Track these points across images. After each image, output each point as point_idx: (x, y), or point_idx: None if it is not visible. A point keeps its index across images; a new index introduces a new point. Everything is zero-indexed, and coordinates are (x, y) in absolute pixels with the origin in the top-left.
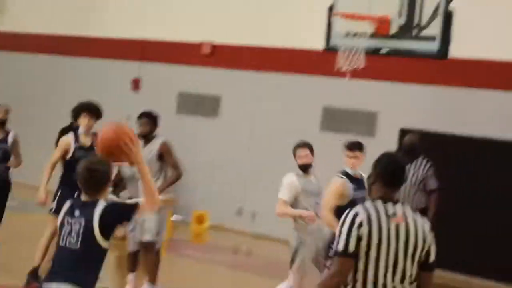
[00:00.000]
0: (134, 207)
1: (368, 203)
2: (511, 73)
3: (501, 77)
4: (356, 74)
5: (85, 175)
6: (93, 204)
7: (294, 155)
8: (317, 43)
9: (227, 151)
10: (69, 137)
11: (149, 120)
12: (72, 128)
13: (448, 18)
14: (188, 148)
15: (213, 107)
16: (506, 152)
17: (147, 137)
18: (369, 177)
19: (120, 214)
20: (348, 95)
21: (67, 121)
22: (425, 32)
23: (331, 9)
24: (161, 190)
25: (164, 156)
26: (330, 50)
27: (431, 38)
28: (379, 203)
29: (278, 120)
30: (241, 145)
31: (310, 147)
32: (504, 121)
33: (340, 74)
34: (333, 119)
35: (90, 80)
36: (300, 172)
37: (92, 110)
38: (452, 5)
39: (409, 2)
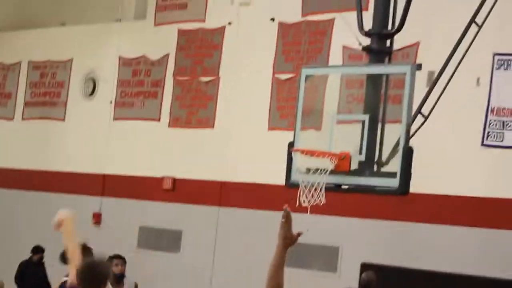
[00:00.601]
0: None
1: None
2: (471, 209)
3: (461, 213)
4: (317, 209)
5: (86, 273)
6: None
7: None
8: (278, 179)
9: (188, 286)
10: None
11: (123, 261)
12: (32, 262)
13: (408, 155)
14: (149, 284)
15: (174, 242)
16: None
17: (119, 277)
18: None
19: None
20: (310, 230)
21: (25, 255)
22: (385, 168)
23: (291, 145)
24: None
25: None
26: (291, 186)
27: (392, 174)
28: None
29: (240, 255)
30: (203, 281)
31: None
32: (464, 257)
33: (301, 209)
34: (295, 254)
35: (51, 215)
36: None
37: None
38: (411, 142)
39: (369, 139)
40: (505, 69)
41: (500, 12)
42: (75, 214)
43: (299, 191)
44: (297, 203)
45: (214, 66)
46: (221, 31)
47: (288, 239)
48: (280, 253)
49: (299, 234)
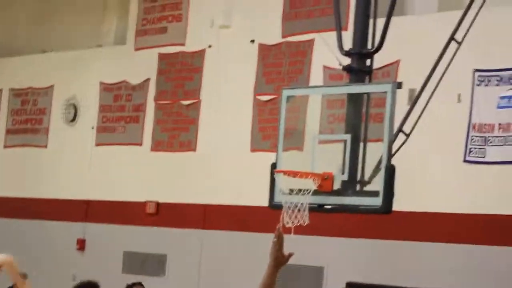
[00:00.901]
0: None
1: None
2: (454, 226)
3: (444, 230)
4: (301, 230)
5: None
6: None
7: None
8: (261, 200)
9: None
10: None
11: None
12: None
13: (390, 173)
14: None
15: (159, 266)
16: None
17: None
18: None
19: None
20: (294, 251)
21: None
22: (368, 187)
23: (274, 166)
24: None
25: None
26: (274, 207)
27: (375, 193)
28: None
29: (225, 277)
30: None
31: None
32: (448, 273)
33: (285, 230)
34: (280, 275)
35: (34, 242)
36: None
37: None
38: (394, 160)
39: (351, 158)
40: (485, 85)
41: (480, 28)
42: (13, 258)
43: (282, 212)
44: (281, 224)
45: (195, 89)
46: (201, 54)
47: (280, 259)
48: (271, 273)
49: (290, 255)
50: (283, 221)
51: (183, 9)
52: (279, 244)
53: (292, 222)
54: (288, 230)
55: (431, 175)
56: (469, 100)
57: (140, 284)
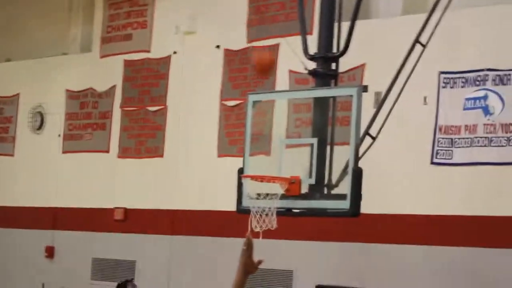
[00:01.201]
0: None
1: None
2: (422, 227)
3: (412, 232)
4: (269, 234)
5: None
6: None
7: None
8: (229, 205)
9: None
10: None
11: None
12: None
13: (357, 176)
14: None
15: (128, 272)
16: None
17: None
18: None
19: None
20: (262, 255)
21: None
22: (336, 191)
23: (241, 171)
24: None
25: None
26: (242, 212)
27: (342, 196)
28: None
29: (195, 282)
30: None
31: None
32: (417, 275)
33: (253, 235)
34: (249, 279)
35: (2, 250)
36: None
37: None
38: (361, 163)
39: (318, 162)
40: (451, 87)
41: (444, 31)
42: None
43: (250, 216)
44: (249, 229)
45: (161, 95)
46: (166, 60)
47: (249, 266)
48: (240, 279)
49: (260, 262)
50: (251, 226)
51: (148, 16)
52: (249, 251)
53: (261, 227)
54: (256, 235)
55: (398, 177)
56: (435, 102)
57: (131, 280)
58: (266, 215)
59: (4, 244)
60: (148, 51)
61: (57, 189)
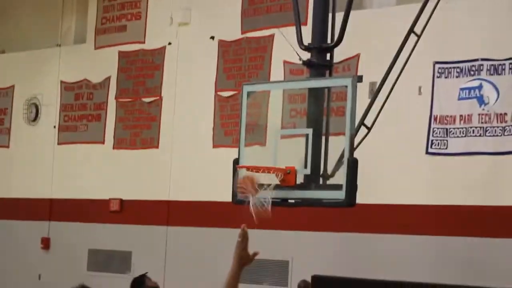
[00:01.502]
0: None
1: None
2: (417, 217)
3: (408, 221)
4: (265, 224)
5: None
6: None
7: None
8: (225, 196)
9: None
10: None
11: None
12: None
13: (353, 166)
14: None
15: (124, 263)
16: None
17: None
18: None
19: None
20: (259, 246)
21: None
22: (331, 181)
23: (236, 162)
24: None
25: None
26: (238, 203)
27: (338, 187)
28: None
29: (190, 272)
30: None
31: None
32: (413, 264)
33: (249, 225)
34: (245, 270)
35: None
36: None
37: None
38: (356, 153)
39: (313, 152)
40: (446, 77)
41: (439, 21)
42: None
43: (246, 207)
44: (245, 224)
45: (156, 86)
46: (161, 51)
47: (244, 258)
48: (235, 271)
49: (255, 254)
50: (246, 216)
51: (142, 7)
52: (243, 244)
53: (256, 216)
54: (252, 225)
55: (393, 167)
56: (430, 92)
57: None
58: (262, 205)
59: (0, 236)
60: (143, 42)
61: (52, 181)
